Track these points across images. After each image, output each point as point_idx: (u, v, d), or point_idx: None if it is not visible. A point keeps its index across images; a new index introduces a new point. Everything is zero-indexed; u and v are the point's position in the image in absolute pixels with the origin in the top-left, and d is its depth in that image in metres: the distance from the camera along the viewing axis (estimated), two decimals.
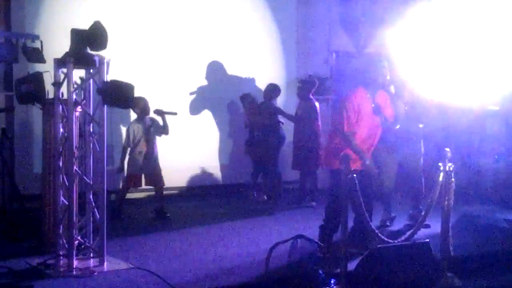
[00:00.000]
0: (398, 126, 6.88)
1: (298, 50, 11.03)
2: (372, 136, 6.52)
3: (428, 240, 5.99)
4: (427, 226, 7.11)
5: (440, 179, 6.19)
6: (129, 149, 8.30)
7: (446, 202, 6.17)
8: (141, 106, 8.20)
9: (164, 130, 8.45)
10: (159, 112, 8.37)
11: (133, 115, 8.63)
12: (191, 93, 10.12)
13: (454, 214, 6.73)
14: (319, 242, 6.32)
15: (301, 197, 9.47)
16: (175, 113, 8.45)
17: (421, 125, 7.81)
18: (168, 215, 8.39)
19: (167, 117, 8.38)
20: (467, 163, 10.11)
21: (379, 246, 5.78)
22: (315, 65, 11.06)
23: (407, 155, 7.79)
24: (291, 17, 11.02)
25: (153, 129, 8.37)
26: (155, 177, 8.38)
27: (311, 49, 11.12)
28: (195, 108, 10.21)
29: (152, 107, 8.37)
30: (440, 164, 6.21)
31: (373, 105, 6.45)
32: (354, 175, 5.60)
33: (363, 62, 6.85)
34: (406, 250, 5.85)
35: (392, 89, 6.92)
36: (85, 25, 5.98)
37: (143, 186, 8.56)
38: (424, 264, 5.79)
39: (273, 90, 9.71)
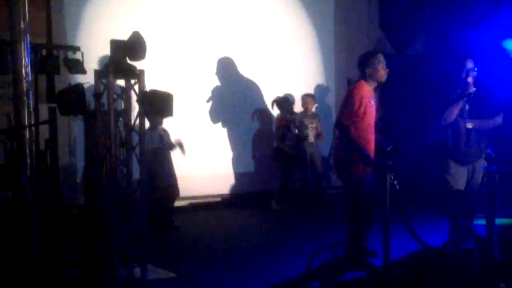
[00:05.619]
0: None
1: (335, 53, 10.96)
2: (371, 135, 6.38)
3: (472, 245, 5.89)
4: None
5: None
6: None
7: (490, 207, 6.08)
8: None
9: (170, 147, 8.43)
10: (179, 143, 8.37)
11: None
12: (208, 100, 9.99)
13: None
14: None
15: None
16: (183, 152, 8.45)
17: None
18: (176, 224, 8.37)
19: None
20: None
21: (420, 249, 5.71)
22: (354, 68, 10.98)
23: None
24: (328, 19, 10.96)
25: (165, 140, 8.40)
26: (172, 188, 8.38)
27: (349, 52, 11.03)
28: (221, 115, 10.18)
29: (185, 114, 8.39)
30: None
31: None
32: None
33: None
34: (450, 255, 5.75)
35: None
36: (124, 36, 6.05)
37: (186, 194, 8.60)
38: (469, 270, 5.68)
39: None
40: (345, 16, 11.08)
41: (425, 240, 6.04)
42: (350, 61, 10.98)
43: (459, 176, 7.06)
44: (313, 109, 9.86)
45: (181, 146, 8.34)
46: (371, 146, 6.37)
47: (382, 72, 6.31)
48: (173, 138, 8.41)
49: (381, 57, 6.36)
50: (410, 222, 5.93)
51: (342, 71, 10.94)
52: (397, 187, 5.74)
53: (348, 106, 6.25)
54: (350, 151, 6.25)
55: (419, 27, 10.75)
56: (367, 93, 6.31)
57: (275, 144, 9.91)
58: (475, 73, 6.73)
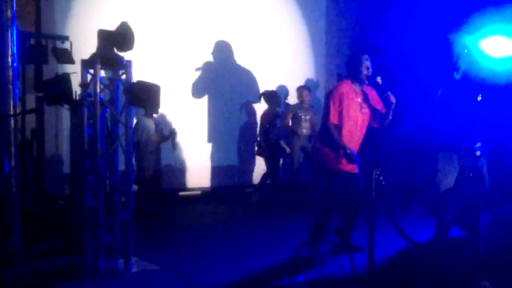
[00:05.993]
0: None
1: (327, 47, 10.93)
2: (356, 132, 6.44)
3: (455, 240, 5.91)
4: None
5: None
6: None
7: (475, 204, 6.09)
8: None
9: (163, 138, 8.44)
10: (173, 133, 8.41)
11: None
12: (197, 69, 9.89)
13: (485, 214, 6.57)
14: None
15: None
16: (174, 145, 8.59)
17: None
18: (161, 216, 8.32)
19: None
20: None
21: (407, 247, 5.71)
22: (344, 62, 10.96)
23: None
24: (320, 14, 10.92)
25: (159, 129, 8.32)
26: (160, 178, 8.32)
27: (340, 47, 11.01)
28: (209, 107, 10.13)
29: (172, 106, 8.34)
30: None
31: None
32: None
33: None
34: (435, 250, 5.77)
35: (379, 79, 6.47)
36: (114, 26, 6.00)
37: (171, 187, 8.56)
38: (453, 264, 5.69)
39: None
40: (337, 11, 11.04)
41: (410, 236, 6.05)
42: (341, 56, 11.00)
43: (448, 173, 7.07)
44: (308, 101, 9.78)
45: (174, 136, 8.29)
46: (355, 145, 6.42)
47: (364, 73, 6.36)
48: (167, 127, 8.37)
49: (363, 59, 6.39)
50: (395, 218, 5.93)
51: (333, 65, 10.92)
52: (383, 182, 5.73)
53: (330, 105, 6.35)
54: (326, 145, 6.35)
55: (412, 24, 10.69)
56: (350, 93, 6.38)
57: (258, 138, 9.81)
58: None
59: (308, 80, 10.63)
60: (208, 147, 10.03)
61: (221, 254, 6.60)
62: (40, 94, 8.05)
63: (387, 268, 5.62)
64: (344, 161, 6.26)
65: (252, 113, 10.17)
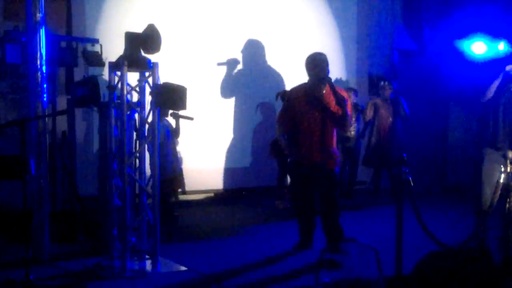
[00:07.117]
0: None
1: (358, 48, 10.82)
2: (312, 134, 6.42)
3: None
4: None
5: (501, 180, 6.02)
6: None
7: (507, 205, 5.98)
8: None
9: (175, 133, 8.21)
10: (175, 115, 8.14)
11: None
12: (219, 64, 9.80)
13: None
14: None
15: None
16: (191, 118, 8.16)
17: None
18: (176, 214, 8.22)
19: (181, 121, 8.20)
20: None
21: (436, 250, 5.62)
22: (376, 64, 10.88)
23: None
24: (351, 14, 10.82)
25: (172, 129, 8.24)
26: (179, 181, 8.30)
27: (372, 47, 10.91)
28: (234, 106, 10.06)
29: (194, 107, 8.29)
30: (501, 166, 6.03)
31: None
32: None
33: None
34: (464, 254, 5.65)
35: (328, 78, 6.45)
36: (142, 28, 6.03)
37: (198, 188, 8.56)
38: (483, 269, 5.57)
39: None
40: (368, 11, 10.94)
41: (440, 238, 5.96)
42: (372, 58, 10.92)
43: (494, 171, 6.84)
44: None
45: (181, 117, 8.15)
46: (315, 147, 6.43)
47: (318, 75, 6.38)
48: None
49: (318, 60, 6.42)
50: (423, 218, 5.85)
51: (364, 68, 10.83)
52: (412, 184, 5.65)
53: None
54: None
55: (444, 25, 10.59)
56: (297, 95, 6.51)
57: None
58: None
59: (338, 82, 10.52)
60: (227, 148, 10.01)
61: (244, 256, 6.55)
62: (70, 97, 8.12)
63: (415, 270, 5.52)
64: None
65: (268, 114, 10.03)
